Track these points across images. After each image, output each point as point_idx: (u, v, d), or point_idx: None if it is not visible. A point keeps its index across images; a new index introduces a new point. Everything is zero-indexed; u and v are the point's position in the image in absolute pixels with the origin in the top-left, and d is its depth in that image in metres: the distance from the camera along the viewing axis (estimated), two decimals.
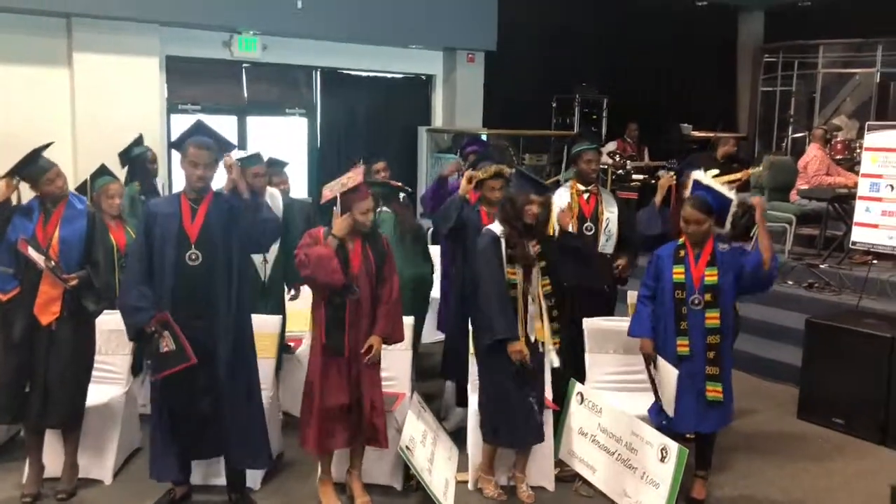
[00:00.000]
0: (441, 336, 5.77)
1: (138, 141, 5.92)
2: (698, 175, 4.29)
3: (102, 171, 5.38)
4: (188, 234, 3.84)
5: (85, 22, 8.23)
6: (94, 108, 8.27)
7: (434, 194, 5.66)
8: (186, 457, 4.05)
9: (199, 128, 3.98)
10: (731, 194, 4.18)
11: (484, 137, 9.52)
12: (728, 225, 4.19)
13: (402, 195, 5.49)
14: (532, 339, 4.14)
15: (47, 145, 4.16)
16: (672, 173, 5.15)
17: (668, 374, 4.08)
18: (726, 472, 4.68)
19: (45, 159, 4.09)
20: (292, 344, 5.22)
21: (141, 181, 5.73)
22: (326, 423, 3.97)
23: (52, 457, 4.28)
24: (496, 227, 4.17)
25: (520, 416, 4.14)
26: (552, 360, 4.30)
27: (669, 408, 4.11)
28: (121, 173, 5.84)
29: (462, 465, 4.51)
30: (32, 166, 4.03)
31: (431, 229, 6.17)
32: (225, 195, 3.98)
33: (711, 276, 4.09)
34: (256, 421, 4.06)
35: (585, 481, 4.41)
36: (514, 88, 11.41)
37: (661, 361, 4.12)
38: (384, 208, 5.24)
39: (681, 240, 4.22)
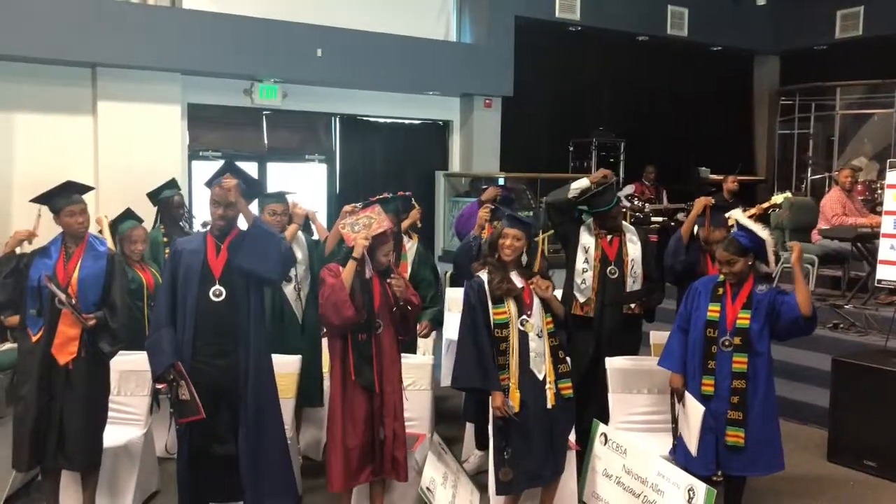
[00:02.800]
0: None
1: (169, 184, 5.99)
2: (737, 214, 4.27)
3: (127, 215, 5.44)
4: (212, 270, 3.86)
5: (109, 72, 8.41)
6: (118, 155, 8.40)
7: (469, 215, 5.64)
8: (201, 499, 3.99)
9: (226, 168, 4.04)
10: (763, 233, 4.14)
11: (501, 181, 9.55)
12: (772, 263, 4.13)
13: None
14: (540, 377, 3.97)
15: (87, 188, 4.21)
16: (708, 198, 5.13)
17: (695, 410, 4.00)
18: None
19: (77, 196, 4.14)
20: None
21: (167, 224, 5.78)
22: (351, 460, 3.91)
23: (71, 500, 4.23)
24: (483, 273, 4.06)
25: (526, 462, 3.94)
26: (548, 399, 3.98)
27: (692, 446, 4.02)
28: (149, 216, 5.89)
29: None
30: (61, 197, 4.07)
31: (450, 272, 6.17)
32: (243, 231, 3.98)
33: (744, 320, 4.02)
34: (280, 461, 4.01)
35: None
36: (531, 133, 11.50)
37: (688, 397, 4.05)
38: None
39: (722, 276, 4.17)
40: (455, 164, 11.37)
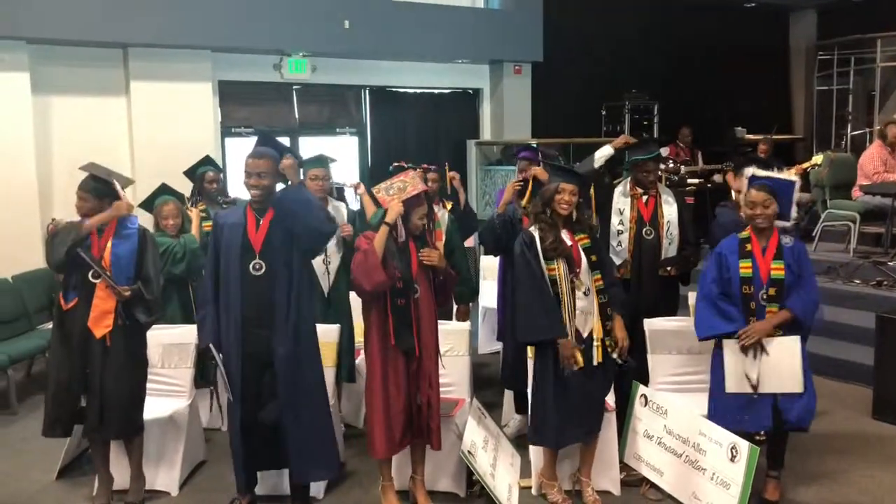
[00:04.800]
0: (499, 346, 5.73)
1: (204, 160, 6.04)
2: (751, 170, 4.19)
3: (162, 190, 5.51)
4: (252, 244, 3.90)
5: (140, 52, 8.47)
6: (151, 134, 8.48)
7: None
8: (251, 467, 4.07)
9: (258, 139, 4.09)
10: (791, 177, 4.07)
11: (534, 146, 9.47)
12: (793, 213, 4.07)
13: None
14: (584, 335, 4.01)
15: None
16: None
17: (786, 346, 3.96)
18: (800, 474, 4.52)
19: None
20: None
21: (204, 200, 5.84)
22: (391, 426, 3.96)
23: (121, 469, 4.36)
24: (532, 228, 4.08)
25: (562, 416, 4.00)
26: (597, 356, 4.02)
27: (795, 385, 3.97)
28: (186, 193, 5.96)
29: (525, 472, 4.45)
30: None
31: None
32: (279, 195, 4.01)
33: (778, 270, 3.98)
34: (322, 430, 4.07)
35: (653, 485, 4.31)
36: (563, 98, 11.35)
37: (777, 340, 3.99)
38: None
39: (744, 233, 4.11)
40: (486, 133, 11.30)
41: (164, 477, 4.49)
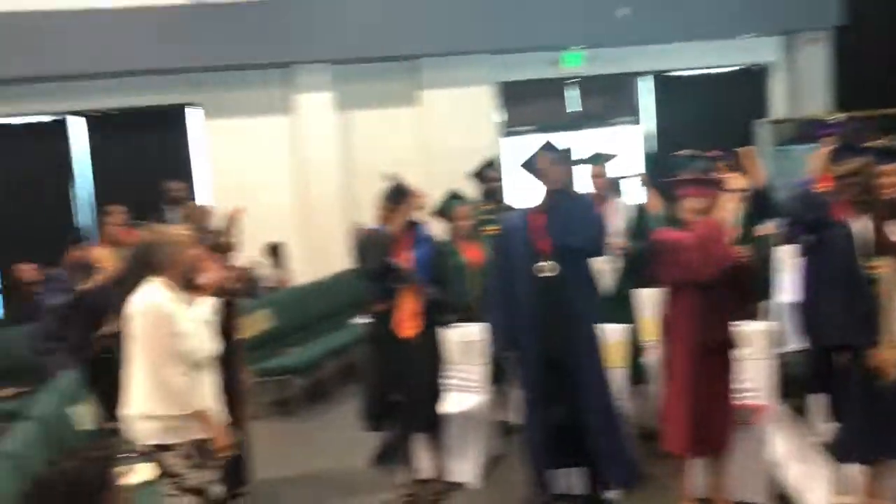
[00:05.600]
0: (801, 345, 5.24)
1: (488, 163, 6.28)
2: None
3: (452, 195, 5.78)
4: (539, 246, 3.95)
5: (431, 62, 9.01)
6: (440, 140, 9.02)
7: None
8: (547, 465, 4.13)
9: (546, 148, 4.12)
10: None
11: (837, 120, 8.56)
12: None
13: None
14: None
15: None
16: None
17: None
18: None
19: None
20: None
21: (489, 201, 6.05)
22: (693, 426, 3.76)
23: (424, 461, 4.64)
24: (852, 219, 3.67)
25: (872, 429, 3.56)
26: None
27: None
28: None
29: (844, 486, 4.02)
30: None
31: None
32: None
33: None
34: (617, 433, 4.02)
35: None
36: (869, 65, 10.12)
37: None
38: None
39: None
40: (775, 110, 10.44)
41: (464, 469, 4.71)
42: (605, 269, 4.97)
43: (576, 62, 9.64)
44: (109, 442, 3.96)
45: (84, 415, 4.30)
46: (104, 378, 4.92)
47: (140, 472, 3.73)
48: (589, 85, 10.15)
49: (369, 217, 4.70)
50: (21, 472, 3.19)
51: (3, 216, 8.55)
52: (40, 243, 6.84)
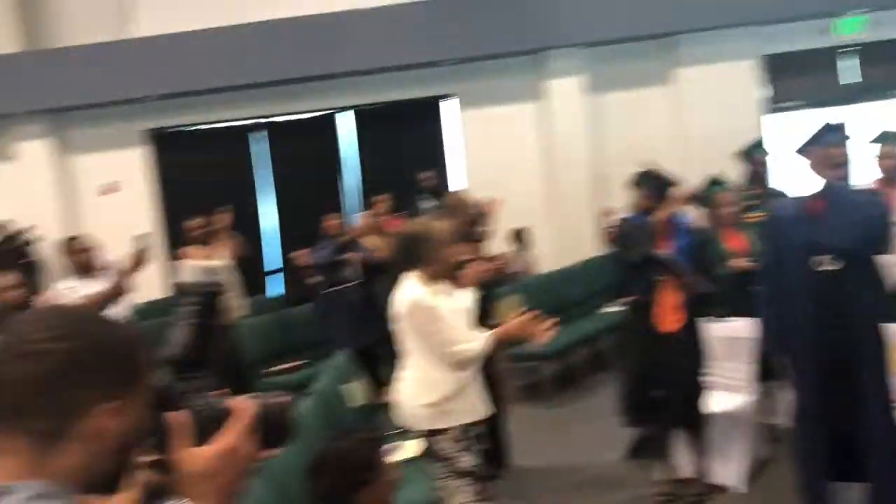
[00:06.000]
0: None
1: (756, 144, 5.85)
2: None
3: (713, 181, 5.44)
4: (815, 238, 3.60)
5: (689, 38, 8.58)
6: (697, 120, 8.56)
7: None
8: (820, 476, 3.78)
9: (828, 128, 3.86)
10: None
11: None
12: None
13: None
14: None
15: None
16: None
17: None
18: None
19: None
20: None
21: (755, 186, 5.63)
22: None
23: (683, 459, 4.45)
24: None
25: None
26: None
27: None
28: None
29: None
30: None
31: None
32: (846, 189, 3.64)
33: None
34: None
35: None
36: None
37: None
38: None
39: None
40: None
41: (727, 471, 4.45)
42: (893, 262, 4.45)
43: (855, 28, 8.66)
44: (379, 423, 4.24)
45: (356, 392, 4.62)
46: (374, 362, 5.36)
47: (407, 449, 3.95)
48: (869, 53, 9.10)
49: (621, 204, 4.58)
50: (305, 441, 3.48)
51: (284, 204, 9.45)
52: (314, 232, 7.40)
